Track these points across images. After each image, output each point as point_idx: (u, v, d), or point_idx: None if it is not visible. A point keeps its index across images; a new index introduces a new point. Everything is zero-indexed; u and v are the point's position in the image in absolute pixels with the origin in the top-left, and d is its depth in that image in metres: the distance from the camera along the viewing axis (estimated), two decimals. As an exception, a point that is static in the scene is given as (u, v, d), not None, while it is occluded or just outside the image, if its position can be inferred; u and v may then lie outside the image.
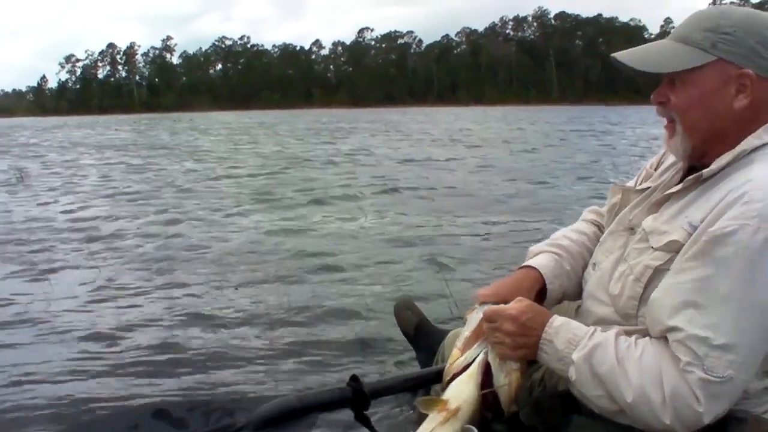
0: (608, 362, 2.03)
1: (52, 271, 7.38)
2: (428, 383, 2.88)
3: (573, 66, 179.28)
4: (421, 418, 2.25)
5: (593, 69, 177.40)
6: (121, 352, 4.96)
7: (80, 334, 5.37)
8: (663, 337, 2.01)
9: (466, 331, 2.39)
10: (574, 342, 2.11)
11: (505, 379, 2.23)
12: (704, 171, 2.10)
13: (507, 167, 18.46)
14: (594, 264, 2.47)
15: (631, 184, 2.61)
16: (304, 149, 27.56)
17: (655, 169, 2.52)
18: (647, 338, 2.06)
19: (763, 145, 2.07)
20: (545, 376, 2.46)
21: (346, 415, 2.72)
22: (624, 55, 2.23)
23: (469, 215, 10.66)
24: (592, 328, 2.14)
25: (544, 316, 2.21)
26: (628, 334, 2.11)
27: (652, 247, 2.16)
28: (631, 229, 2.33)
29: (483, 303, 2.39)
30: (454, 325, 3.97)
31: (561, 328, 2.16)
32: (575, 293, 2.62)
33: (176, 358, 4.80)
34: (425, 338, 3.90)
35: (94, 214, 11.23)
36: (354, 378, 2.63)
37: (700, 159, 2.19)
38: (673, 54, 2.15)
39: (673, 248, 2.08)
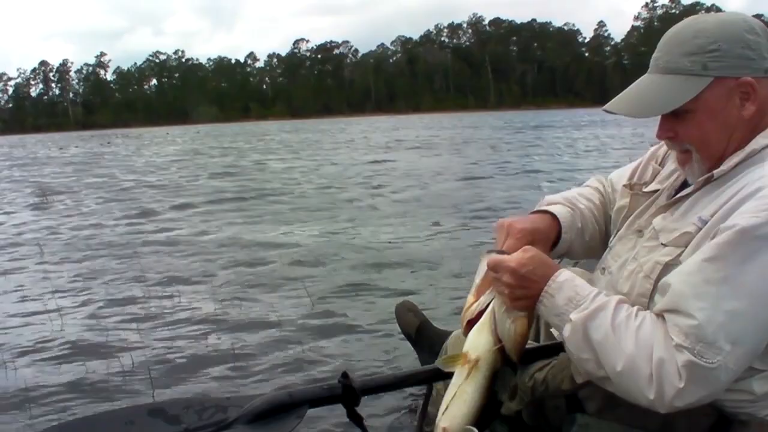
0: (604, 328, 1.98)
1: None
2: (420, 382, 2.92)
3: (509, 72, 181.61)
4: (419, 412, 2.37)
5: (529, 74, 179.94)
6: (117, 353, 5.16)
7: (78, 335, 5.65)
8: (662, 315, 1.97)
9: (477, 278, 2.36)
10: (575, 301, 2.06)
11: (511, 326, 2.17)
12: (715, 171, 2.09)
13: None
14: (603, 269, 2.43)
15: (627, 176, 2.62)
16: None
17: (660, 164, 2.51)
18: (648, 312, 2.02)
19: None
20: (548, 376, 2.40)
21: (337, 410, 2.69)
22: (619, 107, 2.20)
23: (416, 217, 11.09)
24: (595, 290, 2.09)
25: (548, 269, 2.15)
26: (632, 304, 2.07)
27: (662, 244, 2.14)
28: (639, 232, 2.32)
29: (490, 252, 2.30)
30: (455, 326, 3.95)
31: (565, 284, 2.10)
32: (580, 251, 2.64)
33: (171, 358, 5.00)
34: (427, 339, 3.93)
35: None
36: (345, 374, 2.58)
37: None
38: (668, 89, 2.11)
39: (683, 243, 2.07)
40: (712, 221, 1.98)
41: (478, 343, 2.21)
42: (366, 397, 2.61)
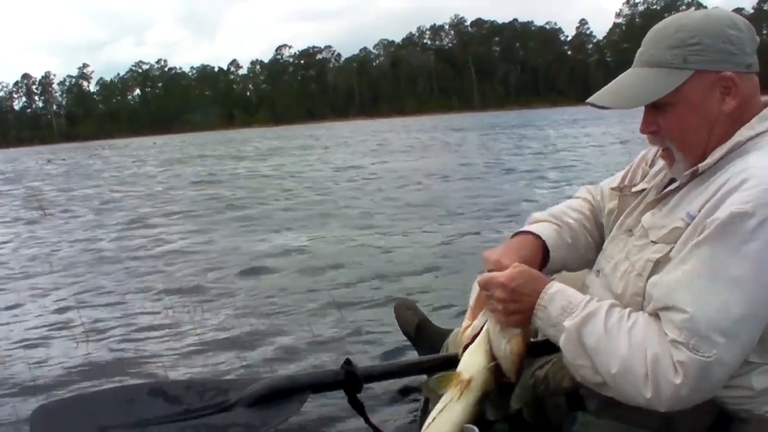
0: (597, 333, 2.02)
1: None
2: (422, 371, 2.95)
3: (492, 72, 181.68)
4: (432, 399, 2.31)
5: (512, 74, 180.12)
6: (119, 333, 5.32)
7: (82, 316, 5.79)
8: (656, 314, 2.00)
9: (471, 300, 2.42)
10: (568, 309, 2.10)
11: (507, 346, 2.21)
12: (700, 165, 2.11)
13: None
14: (597, 271, 2.46)
15: (617, 181, 2.65)
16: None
17: (649, 166, 2.55)
18: (641, 312, 2.05)
19: (757, 135, 2.08)
20: (549, 374, 2.43)
21: (338, 397, 2.74)
22: (602, 99, 2.22)
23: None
24: (587, 297, 2.14)
25: (539, 282, 2.20)
26: (624, 307, 2.11)
27: (652, 241, 2.16)
28: (629, 231, 2.34)
29: (481, 272, 2.35)
30: (455, 324, 3.94)
31: (557, 295, 2.15)
32: (575, 265, 2.68)
33: (173, 339, 5.11)
34: (426, 338, 3.93)
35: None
36: (348, 361, 2.66)
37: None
38: (649, 81, 2.14)
39: (672, 239, 2.08)
40: (699, 216, 1.99)
41: (471, 363, 2.25)
42: (366, 384, 2.67)
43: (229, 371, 4.41)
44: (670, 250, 2.06)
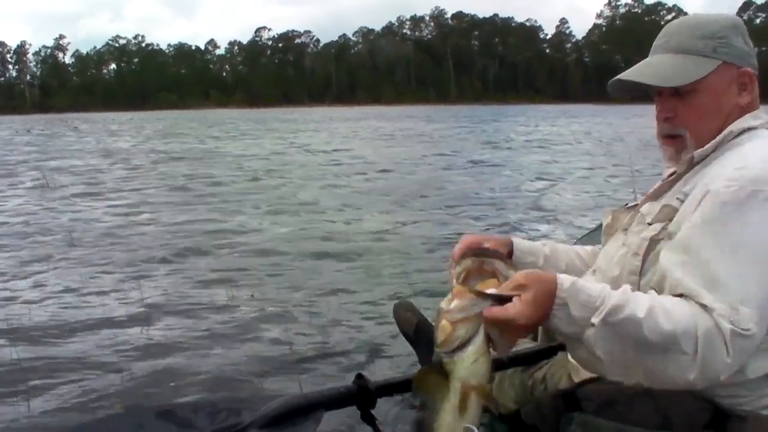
0: (635, 316, 1.84)
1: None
2: None
3: (471, 66, 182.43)
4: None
5: (491, 68, 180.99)
6: (127, 353, 5.17)
7: (88, 334, 5.61)
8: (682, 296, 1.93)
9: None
10: (589, 305, 1.86)
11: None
12: (695, 153, 2.19)
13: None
14: (594, 270, 2.46)
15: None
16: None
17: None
18: (666, 296, 1.96)
19: (750, 129, 2.19)
20: (546, 375, 2.50)
21: (352, 413, 2.67)
22: (640, 77, 2.28)
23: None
24: (601, 285, 1.94)
25: (548, 285, 1.88)
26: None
27: (647, 223, 2.20)
28: (625, 230, 2.36)
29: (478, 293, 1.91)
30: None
31: (572, 289, 1.87)
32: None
33: (182, 359, 5.01)
34: (426, 338, 3.84)
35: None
36: (360, 376, 2.61)
37: None
38: (682, 65, 2.21)
39: (666, 217, 2.14)
40: (693, 194, 2.06)
41: (475, 372, 1.88)
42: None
43: (243, 384, 4.47)
44: (662, 228, 2.12)
